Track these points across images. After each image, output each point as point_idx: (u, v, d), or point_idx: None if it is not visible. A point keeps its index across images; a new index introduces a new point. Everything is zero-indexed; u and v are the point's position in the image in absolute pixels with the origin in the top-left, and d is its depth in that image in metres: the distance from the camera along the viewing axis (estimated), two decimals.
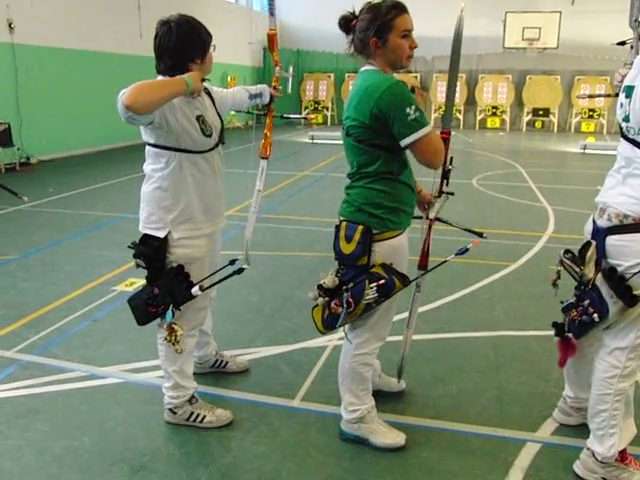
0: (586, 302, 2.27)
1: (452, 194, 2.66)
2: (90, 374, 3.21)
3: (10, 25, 9.96)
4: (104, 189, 8.41)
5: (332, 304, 2.42)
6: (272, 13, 3.29)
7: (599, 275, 2.24)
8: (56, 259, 5.17)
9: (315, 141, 14.40)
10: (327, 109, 19.59)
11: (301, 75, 19.85)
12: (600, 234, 2.25)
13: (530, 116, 18.50)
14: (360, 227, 2.37)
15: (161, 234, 2.54)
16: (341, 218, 2.47)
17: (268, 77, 19.18)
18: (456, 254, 2.44)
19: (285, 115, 3.42)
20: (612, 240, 2.20)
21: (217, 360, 3.20)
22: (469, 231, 2.75)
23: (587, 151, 13.14)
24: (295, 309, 4.09)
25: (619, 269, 2.19)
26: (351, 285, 2.38)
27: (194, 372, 2.84)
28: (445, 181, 2.61)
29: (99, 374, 3.21)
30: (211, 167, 2.62)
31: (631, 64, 2.22)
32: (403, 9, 2.32)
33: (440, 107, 18.37)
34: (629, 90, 2.14)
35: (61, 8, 11.04)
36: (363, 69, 2.39)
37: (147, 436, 2.67)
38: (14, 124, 9.94)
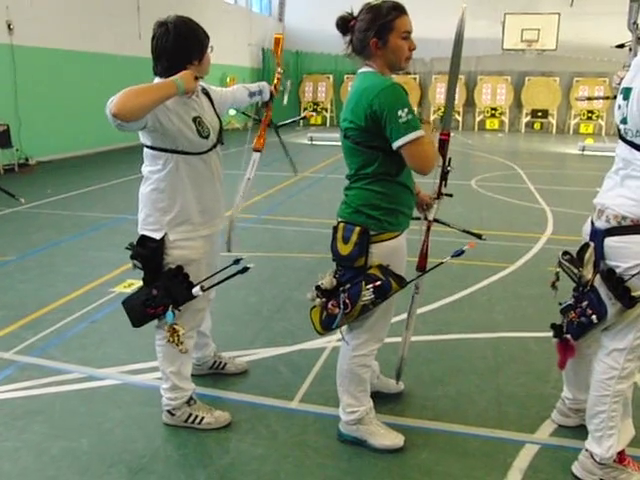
0: (584, 303, 2.27)
1: (451, 195, 2.67)
2: (88, 376, 3.20)
3: (9, 26, 9.96)
4: (103, 190, 8.41)
5: (329, 305, 2.42)
6: (281, 19, 3.29)
7: (597, 276, 2.24)
8: (54, 260, 5.17)
9: (314, 142, 14.41)
10: (326, 110, 19.61)
11: (300, 76, 19.88)
12: (598, 236, 2.25)
13: (529, 117, 18.53)
14: (357, 228, 2.37)
15: (158, 235, 2.53)
16: (339, 219, 2.47)
17: (267, 78, 19.23)
18: (452, 256, 2.44)
19: (280, 124, 3.38)
20: (610, 242, 2.20)
21: (216, 361, 3.20)
22: (468, 232, 2.75)
23: (586, 152, 13.15)
24: (294, 310, 4.09)
25: (617, 270, 2.19)
26: (348, 286, 2.38)
27: (192, 373, 2.84)
28: (443, 182, 2.61)
29: (97, 376, 3.20)
30: (209, 168, 2.61)
31: (629, 66, 2.22)
32: (403, 10, 2.32)
33: (439, 108, 18.39)
34: (627, 92, 2.15)
35: (60, 9, 11.04)
36: (361, 71, 2.39)
37: (145, 438, 2.67)
38: (13, 125, 9.93)
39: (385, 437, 2.60)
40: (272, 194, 8.01)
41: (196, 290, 2.51)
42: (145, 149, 2.56)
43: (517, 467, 2.47)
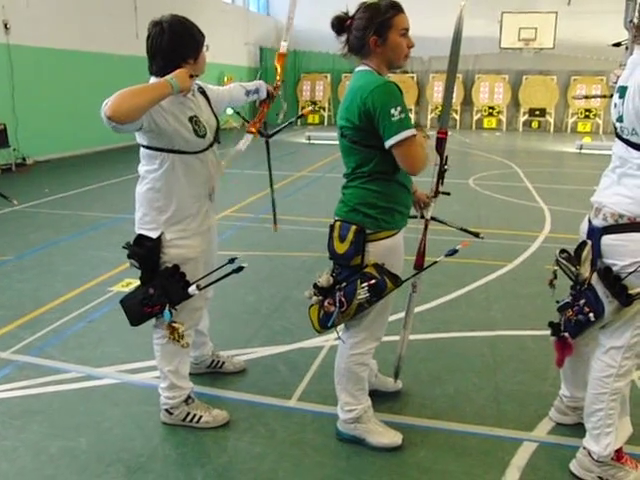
0: (582, 301, 2.28)
1: (448, 194, 2.67)
2: (86, 375, 3.20)
3: (6, 26, 9.94)
4: (101, 190, 8.40)
5: (326, 303, 2.42)
6: (285, 39, 3.28)
7: (595, 275, 2.25)
8: (52, 260, 5.16)
9: (312, 141, 14.41)
10: (324, 109, 19.60)
11: (298, 75, 19.87)
12: (596, 234, 2.25)
13: (526, 116, 18.53)
14: (354, 227, 2.37)
15: (154, 234, 2.53)
16: (336, 218, 2.47)
17: (265, 77, 19.21)
18: (446, 255, 2.45)
19: (273, 132, 3.33)
20: (607, 240, 2.21)
21: (213, 360, 3.20)
22: (465, 231, 2.76)
23: (583, 151, 13.17)
24: (292, 309, 4.09)
25: (614, 269, 2.20)
26: (344, 284, 2.38)
27: (190, 372, 2.84)
28: (441, 181, 2.62)
29: (95, 375, 3.20)
30: (205, 167, 2.61)
31: (626, 65, 2.23)
32: (401, 8, 2.34)
33: (437, 107, 18.39)
34: (622, 91, 2.15)
35: (57, 9, 11.03)
36: (357, 69, 2.39)
37: (143, 437, 2.67)
38: (10, 125, 9.91)
39: (383, 435, 2.60)
40: (270, 193, 7.99)
41: (192, 289, 2.51)
42: (141, 149, 2.56)
43: (515, 465, 2.48)
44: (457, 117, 18.83)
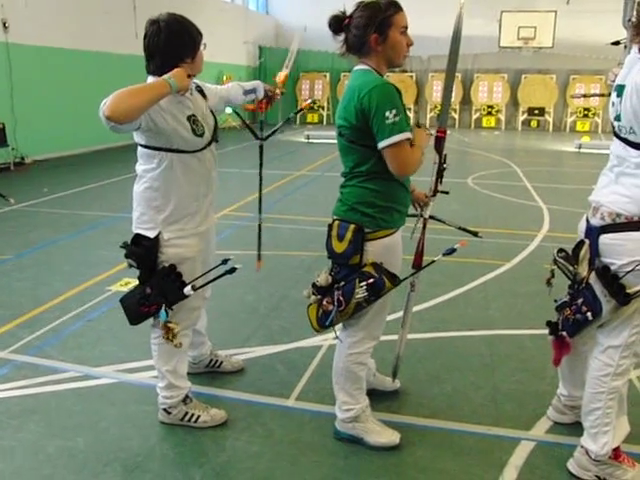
0: (580, 301, 2.28)
1: (447, 193, 2.67)
2: (84, 374, 3.20)
3: (4, 24, 9.93)
4: (99, 189, 8.39)
5: (324, 302, 2.42)
6: (287, 66, 3.27)
7: (592, 274, 2.25)
8: (51, 259, 5.16)
9: (311, 140, 14.40)
10: (323, 108, 19.59)
11: (297, 74, 19.86)
12: (593, 233, 2.25)
13: (525, 115, 18.53)
14: (352, 226, 2.37)
15: (152, 234, 2.53)
16: (334, 217, 2.47)
17: (264, 76, 19.20)
18: (444, 254, 2.45)
19: (268, 134, 3.31)
20: (605, 239, 2.21)
21: (212, 360, 3.20)
22: (464, 230, 2.76)
23: (582, 150, 13.17)
24: (290, 308, 4.09)
25: (612, 268, 2.20)
26: (342, 284, 2.38)
27: (188, 372, 2.84)
28: (440, 180, 2.61)
29: (93, 374, 3.20)
30: (203, 166, 2.60)
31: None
32: (400, 7, 2.34)
33: (436, 106, 18.38)
34: (620, 89, 2.15)
35: (56, 8, 11.02)
36: (356, 68, 2.39)
37: (141, 436, 2.67)
38: (8, 124, 9.91)
39: (381, 435, 2.60)
40: (268, 192, 8.00)
41: (187, 290, 2.51)
42: (139, 148, 2.55)
43: (513, 464, 2.48)
44: (456, 116, 18.83)
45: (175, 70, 2.36)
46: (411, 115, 17.60)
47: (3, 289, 4.45)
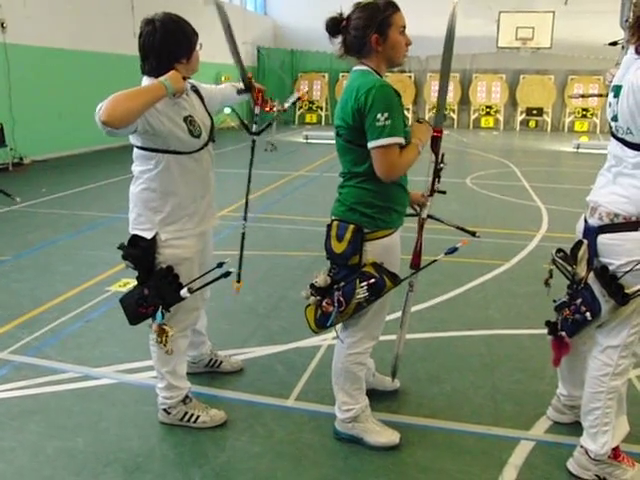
0: (578, 301, 2.28)
1: (444, 192, 2.67)
2: (84, 375, 3.20)
3: (2, 25, 9.92)
4: (98, 189, 8.39)
5: (324, 303, 2.42)
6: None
7: (591, 274, 2.25)
8: (50, 260, 5.15)
9: (309, 141, 14.40)
10: (321, 109, 19.60)
11: (295, 75, 19.87)
12: (591, 233, 2.26)
13: (524, 115, 18.56)
14: (351, 226, 2.37)
15: (149, 235, 2.52)
16: (333, 217, 2.47)
17: (262, 77, 19.20)
18: (445, 253, 2.45)
19: (262, 128, 3.24)
20: (603, 239, 2.22)
21: (212, 359, 3.20)
22: (461, 229, 2.76)
23: (580, 150, 13.19)
24: (289, 309, 4.09)
25: (610, 268, 2.20)
26: (342, 284, 2.38)
27: (188, 372, 2.84)
28: (437, 179, 2.62)
29: (93, 375, 3.20)
30: (200, 166, 2.60)
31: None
32: (397, 6, 2.35)
33: (434, 106, 18.36)
34: (617, 90, 2.16)
35: (54, 8, 11.01)
36: (355, 69, 2.39)
37: (141, 436, 2.67)
38: (7, 124, 9.90)
39: (381, 435, 2.60)
40: (267, 192, 8.01)
41: (184, 292, 2.48)
42: (135, 149, 2.54)
43: (512, 464, 2.48)
44: (454, 116, 18.85)
45: (170, 72, 2.34)
46: (409, 115, 17.59)
47: (2, 290, 4.44)
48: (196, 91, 2.70)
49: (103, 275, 4.70)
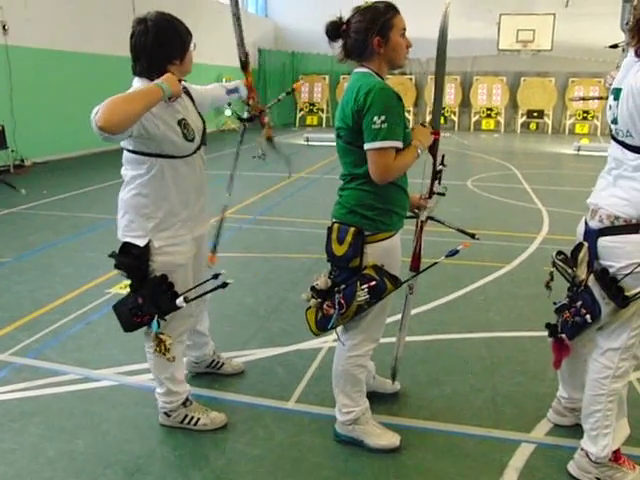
0: (579, 303, 2.28)
1: (443, 194, 2.66)
2: (84, 377, 3.20)
3: (4, 27, 9.93)
4: (99, 191, 8.39)
5: (324, 305, 2.42)
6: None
7: (591, 276, 2.25)
8: (51, 261, 5.16)
9: (310, 143, 14.41)
10: (322, 111, 19.61)
11: (296, 77, 19.88)
12: (592, 235, 2.26)
13: (524, 118, 18.56)
14: (352, 229, 2.37)
15: (141, 242, 2.45)
16: (333, 220, 2.48)
17: (263, 79, 19.22)
18: (446, 256, 2.45)
19: (250, 116, 3.14)
20: (604, 241, 2.21)
21: (214, 360, 3.20)
22: (461, 231, 2.76)
23: (581, 152, 13.18)
24: (290, 311, 4.09)
25: (611, 270, 2.20)
26: (343, 287, 2.38)
27: (190, 371, 2.82)
28: (437, 180, 2.61)
29: (93, 377, 3.20)
30: (193, 171, 2.55)
31: None
32: (397, 9, 2.36)
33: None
34: (617, 93, 2.16)
35: (55, 10, 11.02)
36: (356, 71, 2.40)
37: (141, 439, 2.67)
38: (8, 126, 9.90)
39: (381, 437, 2.60)
40: (268, 195, 8.01)
41: (179, 301, 2.44)
42: (126, 153, 2.48)
43: (513, 466, 2.48)
44: (455, 119, 18.85)
45: (166, 75, 2.29)
46: (410, 117, 17.59)
47: (3, 292, 4.44)
48: (187, 93, 2.64)
49: (104, 277, 4.69)
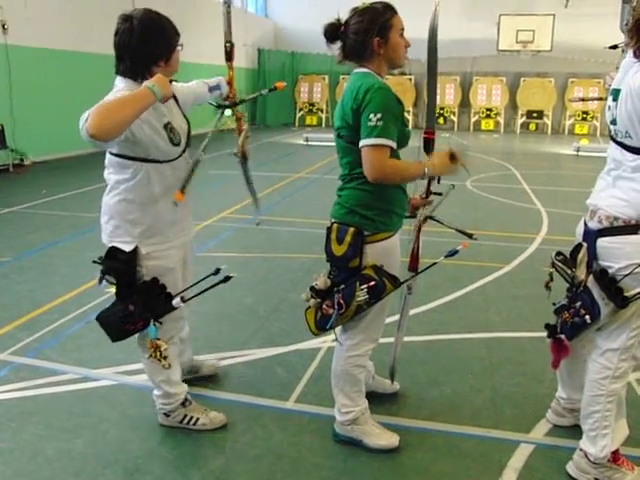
0: (578, 304, 2.28)
1: (440, 194, 2.66)
2: (84, 376, 3.20)
3: (4, 26, 9.93)
4: (98, 191, 8.30)
5: (324, 305, 2.42)
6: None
7: (590, 277, 2.26)
8: (51, 261, 5.16)
9: (309, 143, 14.41)
10: (322, 111, 19.61)
11: (296, 77, 19.89)
12: (591, 236, 2.26)
13: (524, 118, 18.57)
14: (351, 229, 2.37)
15: (128, 248, 2.40)
16: (332, 220, 2.48)
17: (263, 78, 19.22)
18: (446, 256, 2.45)
19: (229, 103, 2.95)
20: (603, 242, 2.22)
21: (192, 367, 3.12)
22: (459, 232, 2.75)
23: (581, 153, 13.19)
24: (289, 311, 4.09)
25: (610, 271, 2.20)
26: (342, 287, 2.38)
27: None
28: (436, 180, 2.60)
29: (93, 376, 3.20)
30: (177, 175, 2.48)
31: None
32: (395, 9, 2.38)
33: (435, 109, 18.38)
34: (616, 93, 2.16)
35: (55, 9, 11.02)
36: (355, 71, 2.40)
37: (140, 438, 2.67)
38: (8, 125, 9.91)
39: (380, 437, 2.60)
40: (268, 194, 8.01)
41: (177, 301, 2.43)
42: (109, 156, 2.40)
43: (512, 467, 2.48)
44: (455, 119, 18.86)
45: (157, 76, 2.18)
46: (410, 117, 17.59)
47: (2, 291, 4.44)
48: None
49: None
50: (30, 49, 10.49)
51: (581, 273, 2.27)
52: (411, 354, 3.39)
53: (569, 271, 2.32)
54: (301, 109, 19.70)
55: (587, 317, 2.24)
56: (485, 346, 3.61)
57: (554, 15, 17.45)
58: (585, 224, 2.33)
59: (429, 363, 3.39)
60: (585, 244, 2.28)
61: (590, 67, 17.60)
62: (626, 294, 2.17)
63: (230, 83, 2.86)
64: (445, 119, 18.87)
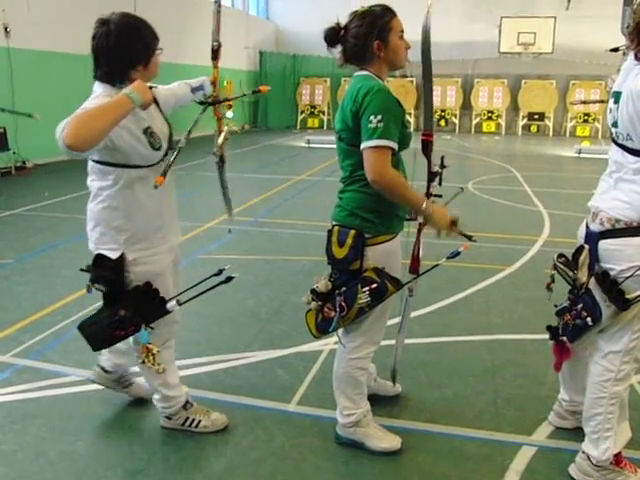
0: (579, 306, 2.28)
1: (440, 196, 2.65)
2: (86, 378, 3.19)
3: (6, 29, 9.96)
4: None
5: (325, 308, 2.42)
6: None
7: (592, 279, 2.26)
8: (52, 263, 5.16)
9: (311, 145, 14.41)
10: (323, 113, 19.63)
11: (297, 79, 19.92)
12: (593, 238, 2.26)
13: (525, 120, 18.58)
14: (352, 231, 2.37)
15: (114, 255, 2.38)
16: (334, 222, 2.48)
17: (264, 81, 19.22)
18: (447, 258, 2.45)
19: (213, 101, 2.77)
20: (604, 244, 2.22)
21: (123, 376, 2.94)
22: (459, 234, 2.75)
23: (582, 155, 13.19)
24: (291, 313, 4.09)
25: (612, 273, 2.20)
26: (344, 289, 2.38)
27: (97, 382, 2.78)
28: (434, 183, 2.60)
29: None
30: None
31: None
32: (394, 12, 2.38)
33: (435, 111, 18.40)
34: (617, 96, 2.16)
35: (57, 12, 11.04)
36: (356, 74, 2.41)
37: (143, 440, 2.67)
38: (10, 128, 9.92)
39: (382, 439, 2.60)
40: (269, 197, 8.01)
41: (172, 305, 2.41)
42: (91, 162, 2.37)
43: (514, 469, 2.48)
44: (456, 121, 18.87)
45: (136, 83, 2.13)
46: (411, 120, 17.60)
47: (4, 293, 4.45)
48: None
49: None
50: (32, 52, 10.51)
51: (583, 275, 2.27)
52: (412, 356, 3.39)
53: (571, 273, 2.32)
54: (303, 111, 19.72)
55: (589, 319, 2.24)
56: (487, 348, 3.61)
57: (555, 17, 17.48)
58: (587, 226, 2.33)
59: (430, 365, 3.39)
60: (587, 246, 2.28)
61: (591, 69, 17.61)
62: (628, 296, 2.17)
63: (214, 83, 2.79)
64: (446, 121, 18.88)
